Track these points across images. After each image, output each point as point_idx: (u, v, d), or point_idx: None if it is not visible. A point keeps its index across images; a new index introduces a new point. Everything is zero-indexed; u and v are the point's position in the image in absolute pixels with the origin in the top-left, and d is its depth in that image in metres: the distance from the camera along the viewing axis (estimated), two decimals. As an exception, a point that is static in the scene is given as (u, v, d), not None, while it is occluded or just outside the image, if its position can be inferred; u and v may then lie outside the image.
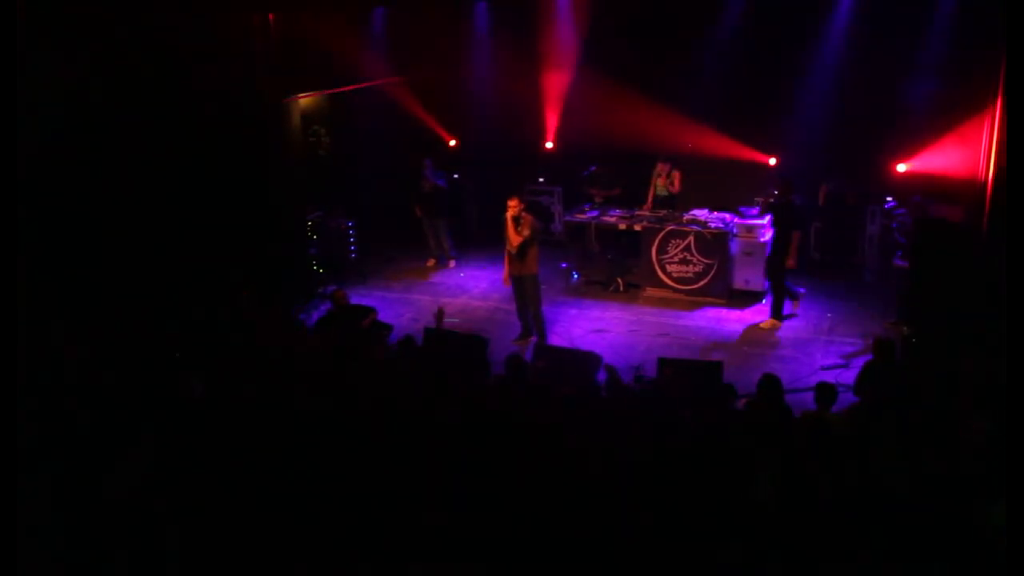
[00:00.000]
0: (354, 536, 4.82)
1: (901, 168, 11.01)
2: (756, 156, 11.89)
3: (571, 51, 12.42)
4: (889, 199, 10.80)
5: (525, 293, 9.42)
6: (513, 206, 9.15)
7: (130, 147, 9.07)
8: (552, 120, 13.06)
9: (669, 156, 11.55)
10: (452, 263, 12.38)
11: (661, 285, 10.90)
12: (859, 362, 7.98)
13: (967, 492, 5.04)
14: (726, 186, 11.70)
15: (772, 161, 11.86)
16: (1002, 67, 8.04)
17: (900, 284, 9.58)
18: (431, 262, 12.40)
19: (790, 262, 9.57)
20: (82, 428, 5.85)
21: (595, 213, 11.52)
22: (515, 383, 6.90)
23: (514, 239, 9.17)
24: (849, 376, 8.02)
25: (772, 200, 10.09)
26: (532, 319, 9.47)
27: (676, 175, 11.48)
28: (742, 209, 10.89)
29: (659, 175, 11.56)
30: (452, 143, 13.49)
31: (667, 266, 10.87)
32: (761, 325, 9.80)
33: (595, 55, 12.20)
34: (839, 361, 8.87)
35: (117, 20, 8.75)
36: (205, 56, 9.62)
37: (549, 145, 13.14)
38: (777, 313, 9.81)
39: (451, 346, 8.16)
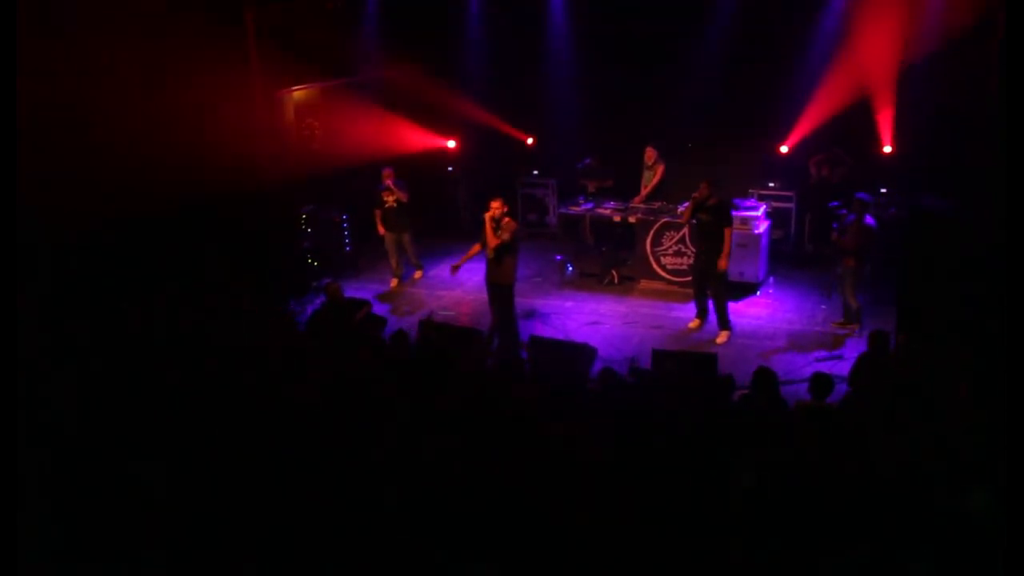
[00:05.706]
0: (347, 530, 4.81)
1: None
2: (764, 143, 11.81)
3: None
4: (835, 202, 9.90)
5: (496, 302, 8.96)
6: (496, 207, 8.67)
7: (120, 142, 9.01)
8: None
9: (659, 143, 11.42)
10: (419, 274, 11.53)
11: (656, 277, 10.91)
12: (853, 353, 8.00)
13: (957, 481, 5.06)
14: (721, 177, 11.66)
15: (784, 149, 11.75)
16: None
17: (841, 288, 9.46)
18: (394, 283, 11.32)
19: (722, 263, 9.22)
20: (80, 426, 5.83)
21: (590, 205, 11.51)
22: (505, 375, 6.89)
23: (491, 241, 8.72)
24: (843, 368, 8.03)
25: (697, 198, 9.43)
26: (496, 328, 8.97)
27: (659, 168, 11.41)
28: (736, 201, 10.88)
29: (647, 166, 11.52)
30: (451, 144, 13.16)
31: (662, 258, 10.86)
32: (716, 340, 9.27)
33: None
34: (834, 352, 8.87)
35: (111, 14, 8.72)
36: (198, 50, 9.57)
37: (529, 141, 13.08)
38: (724, 322, 9.38)
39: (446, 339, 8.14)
